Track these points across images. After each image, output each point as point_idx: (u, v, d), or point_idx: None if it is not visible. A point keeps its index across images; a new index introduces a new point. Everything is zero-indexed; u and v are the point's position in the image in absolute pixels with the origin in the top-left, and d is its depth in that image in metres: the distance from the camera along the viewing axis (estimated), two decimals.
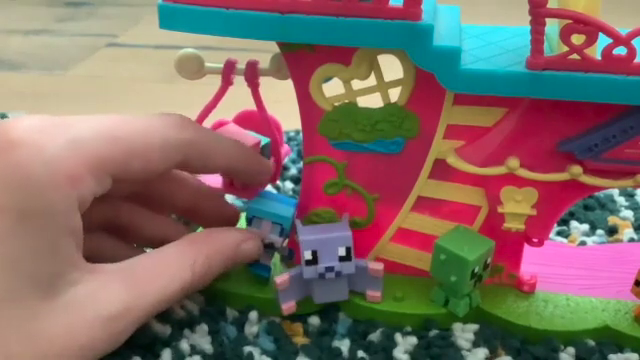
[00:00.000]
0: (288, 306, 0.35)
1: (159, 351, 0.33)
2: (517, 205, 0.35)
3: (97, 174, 0.29)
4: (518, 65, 0.30)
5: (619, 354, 0.33)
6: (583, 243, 0.43)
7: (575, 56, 0.29)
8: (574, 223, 0.45)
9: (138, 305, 0.30)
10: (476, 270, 0.34)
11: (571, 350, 0.34)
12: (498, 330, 0.35)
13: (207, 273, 0.33)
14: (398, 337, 0.34)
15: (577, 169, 0.33)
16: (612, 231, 0.44)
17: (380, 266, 0.35)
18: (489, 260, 0.35)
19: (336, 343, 0.35)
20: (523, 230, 0.35)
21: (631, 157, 0.32)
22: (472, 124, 0.34)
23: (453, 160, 0.34)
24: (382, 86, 0.34)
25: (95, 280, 0.30)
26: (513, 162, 0.33)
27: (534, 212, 0.35)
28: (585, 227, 0.44)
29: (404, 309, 0.36)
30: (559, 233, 0.44)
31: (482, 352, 0.33)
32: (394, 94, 0.34)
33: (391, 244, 0.38)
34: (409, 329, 0.35)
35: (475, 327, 0.35)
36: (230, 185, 0.39)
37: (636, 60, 0.29)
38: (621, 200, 0.48)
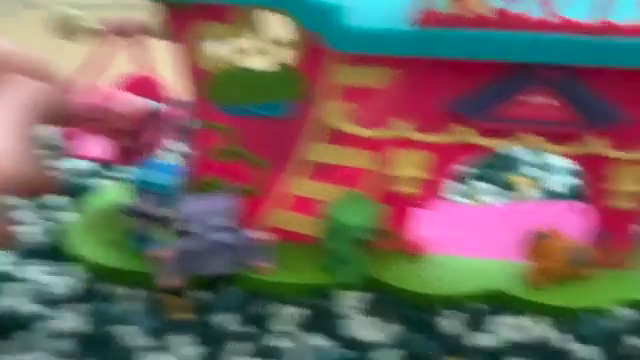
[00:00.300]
0: (173, 280, 0.33)
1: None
2: (409, 168, 0.34)
3: None
4: (408, 23, 0.29)
5: (506, 317, 0.33)
6: (484, 203, 0.42)
7: (466, 12, 0.28)
8: (476, 183, 0.44)
9: None
10: (362, 236, 0.33)
11: (455, 313, 0.33)
12: (386, 296, 0.34)
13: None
14: (288, 308, 0.33)
15: (467, 130, 0.32)
16: (514, 190, 0.44)
17: (268, 236, 0.34)
18: (377, 225, 0.34)
19: (222, 317, 0.33)
20: (416, 193, 0.34)
21: (519, 116, 0.31)
22: (362, 85, 0.32)
23: (341, 122, 0.32)
24: (268, 46, 0.32)
25: None
26: (403, 124, 0.32)
27: (425, 175, 0.34)
28: (487, 186, 0.44)
29: (295, 279, 0.35)
30: (461, 193, 0.43)
31: (364, 319, 0.33)
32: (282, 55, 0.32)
33: (285, 212, 0.36)
34: (299, 299, 0.34)
35: (361, 293, 0.34)
36: (121, 155, 0.37)
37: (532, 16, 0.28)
38: (526, 158, 0.47)
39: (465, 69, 0.30)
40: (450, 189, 0.44)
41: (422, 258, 0.36)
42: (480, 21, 0.28)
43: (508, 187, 0.44)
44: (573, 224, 0.35)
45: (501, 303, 0.34)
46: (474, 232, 0.38)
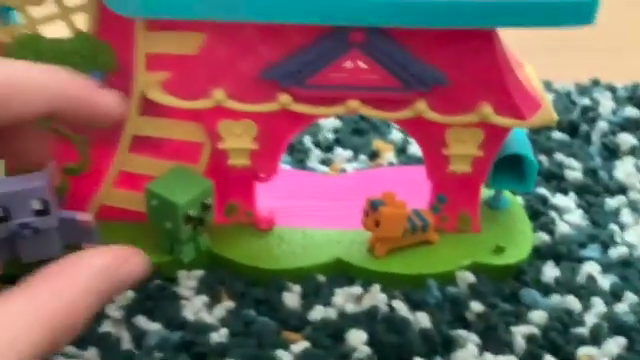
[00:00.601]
0: None
1: None
2: (237, 139, 0.32)
3: None
4: None
5: (346, 288, 0.32)
6: (343, 170, 0.41)
7: None
8: (338, 150, 0.43)
9: None
10: (192, 213, 0.31)
11: (297, 288, 0.32)
12: (225, 274, 0.33)
13: (74, 318, 0.24)
14: None
15: (286, 98, 0.30)
16: (374, 156, 0.43)
17: (89, 217, 0.32)
18: (209, 201, 0.32)
19: None
20: (249, 165, 0.33)
21: (337, 82, 0.30)
22: (172, 52, 0.30)
23: (155, 94, 0.30)
24: (65, 13, 0.30)
25: None
26: (218, 93, 0.30)
27: (255, 146, 0.32)
28: (348, 153, 0.43)
29: None
30: (323, 162, 0.42)
31: (201, 300, 0.31)
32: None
33: (115, 190, 0.34)
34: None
35: (200, 273, 0.33)
36: None
37: None
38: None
39: (274, 34, 0.29)
40: (310, 157, 0.42)
41: (267, 232, 0.35)
42: None
43: (372, 153, 0.43)
44: (426, 189, 0.34)
45: (344, 273, 0.33)
46: (323, 202, 0.37)
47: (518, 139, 0.34)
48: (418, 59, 0.29)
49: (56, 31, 0.30)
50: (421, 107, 0.30)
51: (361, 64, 0.30)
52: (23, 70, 0.26)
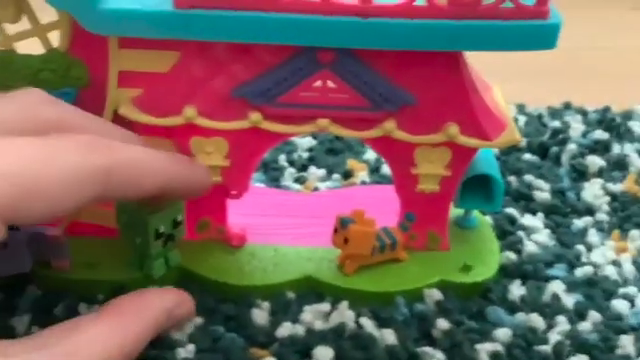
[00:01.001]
0: None
1: None
2: (208, 157, 0.32)
3: None
4: (166, 4, 0.27)
5: (314, 305, 0.32)
6: (317, 189, 0.42)
7: None
8: (312, 168, 0.43)
9: None
10: (162, 230, 0.32)
11: (266, 305, 0.32)
12: (195, 290, 0.33)
13: (135, 351, 0.27)
14: (83, 308, 0.32)
15: (256, 116, 0.30)
16: (348, 175, 0.43)
17: (58, 232, 0.32)
18: (180, 217, 0.32)
19: (14, 320, 0.31)
20: (221, 182, 0.33)
21: (307, 101, 0.30)
22: (145, 70, 0.30)
23: (127, 110, 0.31)
24: (38, 30, 0.30)
25: None
26: (189, 111, 0.30)
27: (227, 163, 0.32)
28: (322, 172, 0.43)
29: (97, 276, 0.33)
30: (296, 180, 0.43)
31: None
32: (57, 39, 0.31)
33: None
34: (100, 297, 0.33)
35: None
36: None
37: None
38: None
39: (245, 53, 0.29)
40: (284, 175, 0.43)
41: (239, 249, 0.35)
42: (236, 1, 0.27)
43: (345, 172, 0.44)
44: (397, 207, 0.35)
45: (314, 290, 0.34)
46: (295, 219, 0.37)
47: (486, 159, 0.35)
48: (386, 79, 0.30)
49: (27, 47, 0.31)
50: (389, 126, 0.31)
51: (331, 83, 0.30)
52: (140, 154, 0.27)
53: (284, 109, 0.30)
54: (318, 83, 0.30)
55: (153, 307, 0.29)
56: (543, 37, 0.28)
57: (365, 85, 0.30)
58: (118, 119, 0.31)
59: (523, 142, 0.46)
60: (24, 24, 0.30)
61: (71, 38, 0.30)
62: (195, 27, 0.27)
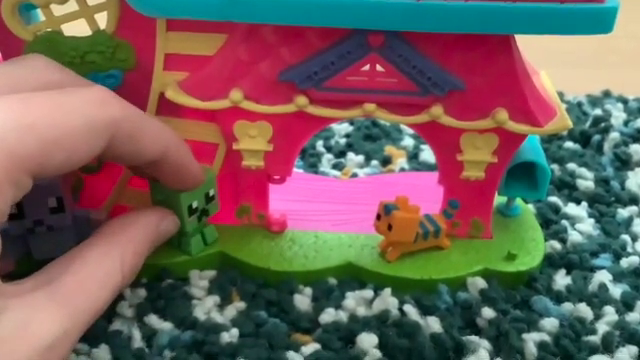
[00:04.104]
0: (3, 264, 0.31)
1: None
2: (252, 141, 0.32)
3: (13, 177, 0.23)
4: None
5: (357, 291, 0.32)
6: (355, 175, 0.41)
7: None
8: (350, 155, 0.43)
9: (75, 325, 0.25)
10: (195, 205, 0.32)
11: (308, 291, 0.32)
12: (237, 275, 0.33)
13: (136, 267, 0.29)
14: (127, 294, 0.32)
15: (303, 100, 0.30)
16: (386, 161, 0.43)
17: (102, 215, 0.32)
18: (212, 192, 0.32)
19: None
20: (263, 167, 0.33)
21: (354, 85, 0.30)
22: (191, 52, 0.30)
23: (173, 94, 0.31)
24: (86, 11, 0.30)
25: (23, 306, 0.24)
26: (236, 94, 0.30)
27: (270, 147, 0.32)
28: (360, 158, 0.43)
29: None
30: (334, 166, 0.42)
31: (212, 300, 0.31)
32: (104, 20, 0.30)
33: (130, 188, 0.34)
34: (144, 281, 0.33)
35: (212, 273, 0.33)
36: None
37: None
38: (406, 127, 0.47)
39: (292, 36, 0.29)
40: (322, 161, 0.43)
41: (279, 235, 0.35)
42: None
43: (384, 159, 0.43)
44: (436, 195, 0.35)
45: (356, 277, 0.33)
46: (334, 206, 0.37)
47: (531, 147, 0.34)
48: (435, 64, 0.29)
49: (75, 29, 0.30)
50: (437, 112, 0.30)
51: (379, 67, 0.30)
52: (146, 117, 0.28)
53: (330, 93, 0.30)
54: (366, 67, 0.30)
55: (141, 223, 0.30)
56: (600, 21, 0.27)
57: (414, 69, 0.29)
58: (163, 102, 0.31)
59: (565, 130, 0.45)
60: (72, 5, 0.30)
61: (118, 20, 0.30)
62: (243, 9, 0.27)
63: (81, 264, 0.27)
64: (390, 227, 0.32)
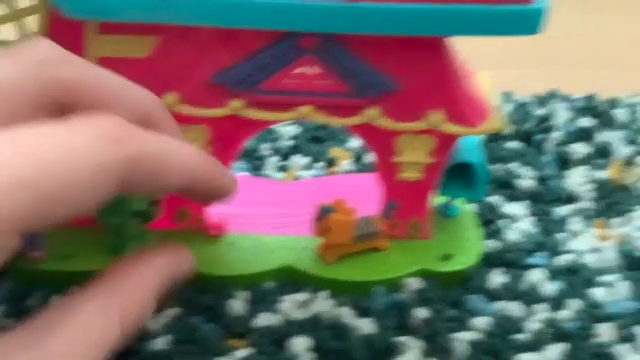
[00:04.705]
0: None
1: None
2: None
3: (3, 240, 0.20)
4: None
5: (294, 294, 0.32)
6: (299, 178, 0.41)
7: None
8: (296, 157, 0.43)
9: None
10: (138, 208, 0.31)
11: (245, 294, 0.32)
12: None
13: (141, 319, 0.25)
14: (57, 299, 0.31)
15: (237, 103, 0.30)
16: (331, 163, 0.43)
17: None
18: (156, 198, 0.32)
19: None
20: None
21: (290, 87, 0.30)
22: (124, 55, 0.30)
23: None
24: (15, 14, 0.30)
25: None
26: (170, 97, 0.30)
27: (208, 151, 0.32)
28: (306, 160, 0.43)
29: (74, 267, 0.33)
30: (280, 168, 0.42)
31: None
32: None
33: None
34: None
35: None
36: None
37: None
38: None
39: (226, 38, 0.29)
40: (266, 164, 0.42)
41: (218, 239, 0.35)
42: None
43: (329, 161, 0.43)
44: (378, 196, 0.35)
45: (295, 280, 0.34)
46: (276, 208, 0.37)
47: (470, 147, 0.35)
48: (369, 66, 0.30)
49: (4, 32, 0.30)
50: (372, 113, 0.31)
51: (313, 70, 0.30)
52: (168, 146, 0.25)
53: (266, 96, 0.30)
54: (301, 69, 0.30)
55: (146, 273, 0.26)
56: (527, 22, 0.28)
57: (348, 71, 0.29)
58: None
59: (508, 130, 0.46)
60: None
61: (49, 23, 0.29)
62: (175, 11, 0.27)
63: (75, 324, 0.23)
64: (327, 229, 0.32)
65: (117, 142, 0.22)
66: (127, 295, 0.25)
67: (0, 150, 0.20)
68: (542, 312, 0.32)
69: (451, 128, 0.31)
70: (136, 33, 0.29)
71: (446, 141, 0.32)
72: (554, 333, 0.30)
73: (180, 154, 0.25)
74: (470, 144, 0.35)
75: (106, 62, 0.30)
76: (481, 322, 0.31)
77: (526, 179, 0.41)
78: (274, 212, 0.37)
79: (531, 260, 0.35)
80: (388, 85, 0.30)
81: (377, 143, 0.32)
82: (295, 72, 0.30)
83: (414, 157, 0.32)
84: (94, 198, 0.21)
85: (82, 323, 0.23)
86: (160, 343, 0.29)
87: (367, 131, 0.32)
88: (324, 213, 0.32)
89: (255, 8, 0.27)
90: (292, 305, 0.32)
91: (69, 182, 0.20)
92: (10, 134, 0.20)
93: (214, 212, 0.35)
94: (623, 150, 0.44)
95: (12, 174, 0.19)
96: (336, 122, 0.31)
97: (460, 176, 0.35)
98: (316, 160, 0.43)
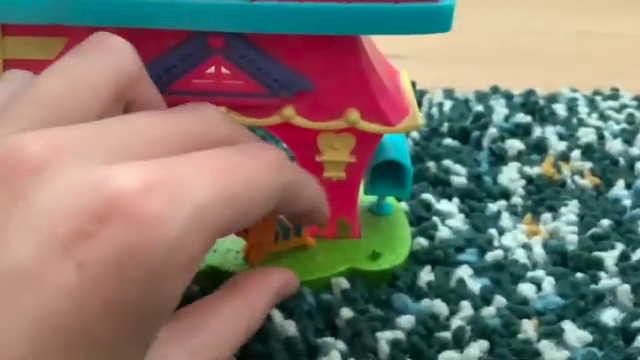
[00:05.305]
0: None
1: None
2: None
3: (210, 244, 0.22)
4: None
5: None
6: None
7: None
8: None
9: None
10: None
11: None
12: None
13: (256, 329, 0.28)
14: None
15: None
16: None
17: None
18: None
19: None
20: None
21: (201, 88, 0.29)
22: (31, 57, 0.29)
23: None
24: None
25: (160, 358, 0.24)
26: None
27: None
28: None
29: None
30: None
31: None
32: None
33: None
34: None
35: None
36: None
37: None
38: None
39: (133, 39, 0.28)
40: None
41: None
42: None
43: None
44: None
45: (220, 283, 0.33)
46: None
47: (395, 145, 0.35)
48: (282, 65, 0.29)
49: None
50: (288, 113, 0.30)
51: (225, 70, 0.29)
52: (306, 175, 0.28)
53: (177, 97, 0.29)
54: (212, 69, 0.29)
55: (270, 284, 0.30)
56: (436, 20, 0.27)
57: (259, 71, 0.29)
58: None
59: (445, 127, 0.46)
60: None
61: None
62: (76, 12, 0.26)
63: (216, 318, 0.27)
64: (246, 229, 0.32)
65: (279, 169, 0.25)
66: (254, 302, 0.28)
67: (214, 169, 0.23)
68: (466, 309, 0.31)
69: (369, 126, 0.30)
70: (42, 35, 0.29)
71: (367, 140, 0.32)
72: (477, 330, 0.30)
73: (312, 186, 0.29)
74: (396, 142, 0.35)
75: (13, 64, 0.29)
76: (405, 321, 0.31)
77: (459, 176, 0.41)
78: None
79: (460, 257, 0.35)
80: (302, 84, 0.29)
81: (297, 143, 0.32)
82: (206, 72, 0.29)
83: (335, 156, 0.32)
84: (260, 214, 0.25)
85: (223, 320, 0.27)
86: None
87: (286, 131, 0.31)
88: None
89: (157, 8, 0.26)
90: None
91: (254, 200, 0.24)
92: (215, 154, 0.24)
93: None
94: (559, 145, 0.44)
95: (223, 192, 0.22)
96: (252, 123, 0.30)
97: (389, 174, 0.35)
98: None
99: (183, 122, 0.25)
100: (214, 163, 0.23)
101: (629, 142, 0.45)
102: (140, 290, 0.20)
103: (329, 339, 0.30)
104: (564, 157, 0.43)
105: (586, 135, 0.45)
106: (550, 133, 0.46)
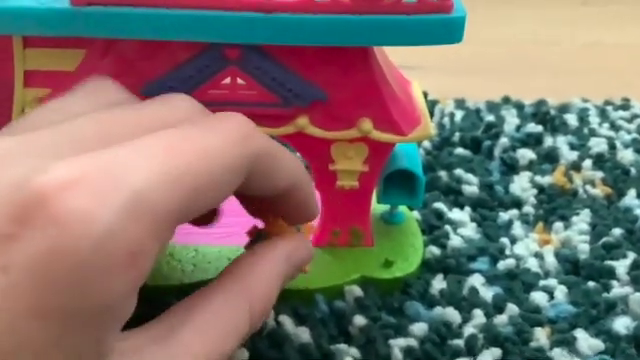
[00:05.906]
0: None
1: None
2: None
3: (161, 234, 0.21)
4: (64, 1, 0.27)
5: None
6: None
7: None
8: None
9: None
10: None
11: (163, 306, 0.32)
12: None
13: (266, 311, 0.26)
14: None
15: None
16: None
17: None
18: None
19: None
20: None
21: (216, 98, 0.30)
22: (51, 68, 0.30)
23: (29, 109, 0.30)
24: None
25: None
26: None
27: None
28: None
29: None
30: None
31: None
32: None
33: None
34: None
35: None
36: None
37: None
38: None
39: (150, 50, 0.29)
40: None
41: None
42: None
43: None
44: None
45: None
46: (225, 218, 0.37)
47: (408, 154, 0.35)
48: (296, 75, 0.30)
49: None
50: (302, 122, 0.31)
51: (240, 80, 0.30)
52: (278, 146, 0.26)
53: None
54: (227, 80, 0.30)
55: (271, 260, 0.27)
56: (448, 31, 0.28)
57: (273, 81, 0.30)
58: None
59: (456, 137, 0.46)
60: None
61: None
62: (93, 24, 0.27)
63: (204, 314, 0.24)
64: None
65: (246, 139, 0.24)
66: (253, 286, 0.26)
67: (153, 150, 0.21)
68: (479, 317, 0.32)
69: (382, 136, 0.31)
70: (61, 47, 0.29)
71: (379, 149, 0.32)
72: (490, 338, 0.30)
73: (289, 159, 0.27)
74: (408, 151, 0.35)
75: (33, 76, 0.30)
76: (418, 328, 0.31)
77: (470, 185, 0.41)
78: (221, 222, 0.37)
79: (472, 266, 0.35)
80: (316, 94, 0.30)
81: (311, 152, 0.32)
82: (222, 83, 0.30)
83: (349, 165, 0.32)
84: (226, 191, 0.23)
85: (212, 315, 0.24)
86: None
87: (300, 140, 0.31)
88: (257, 239, 0.32)
89: (172, 20, 0.27)
90: None
91: (210, 178, 0.22)
92: (159, 135, 0.22)
93: None
94: (570, 155, 0.45)
95: (166, 175, 0.21)
96: (267, 132, 0.31)
97: (401, 183, 0.35)
98: None
99: (144, 111, 0.24)
100: (156, 144, 0.22)
101: None
102: (71, 291, 0.19)
103: (342, 346, 0.30)
104: (575, 167, 0.43)
105: (597, 145, 0.46)
106: (561, 143, 0.46)
